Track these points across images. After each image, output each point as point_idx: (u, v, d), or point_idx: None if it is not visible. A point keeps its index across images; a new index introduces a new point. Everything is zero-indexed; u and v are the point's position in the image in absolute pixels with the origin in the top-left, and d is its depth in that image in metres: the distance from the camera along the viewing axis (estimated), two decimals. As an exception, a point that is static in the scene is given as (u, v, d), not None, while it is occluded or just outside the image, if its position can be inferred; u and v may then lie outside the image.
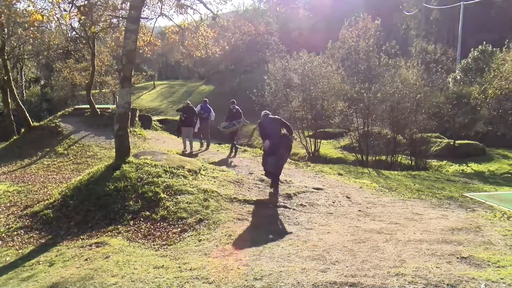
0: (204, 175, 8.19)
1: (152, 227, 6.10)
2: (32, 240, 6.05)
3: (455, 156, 21.38)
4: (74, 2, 9.51)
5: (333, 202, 7.54)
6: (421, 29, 51.56)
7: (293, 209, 6.91)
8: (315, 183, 8.85)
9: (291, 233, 5.70)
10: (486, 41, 29.67)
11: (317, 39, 40.67)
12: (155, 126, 19.12)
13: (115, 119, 8.37)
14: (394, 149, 20.60)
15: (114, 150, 9.01)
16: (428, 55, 34.15)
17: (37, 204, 7.39)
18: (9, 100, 17.36)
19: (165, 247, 5.43)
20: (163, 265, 4.54)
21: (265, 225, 6.13)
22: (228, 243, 5.25)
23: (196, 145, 12.51)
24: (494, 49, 28.25)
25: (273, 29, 44.01)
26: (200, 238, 5.59)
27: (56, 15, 9.83)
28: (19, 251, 5.65)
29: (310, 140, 22.68)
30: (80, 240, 5.80)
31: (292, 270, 4.05)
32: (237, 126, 11.61)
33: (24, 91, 35.26)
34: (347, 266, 4.15)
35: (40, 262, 5.05)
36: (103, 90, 35.68)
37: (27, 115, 16.16)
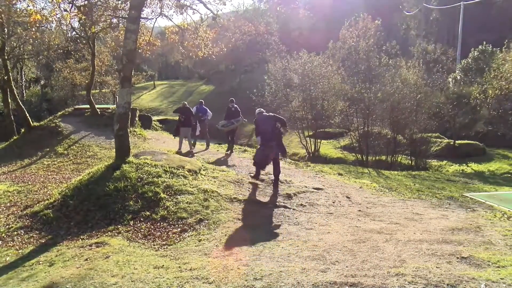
0: (204, 175, 8.19)
1: (152, 227, 6.10)
2: (32, 240, 6.05)
3: (455, 156, 21.37)
4: (74, 2, 9.51)
5: (333, 202, 7.53)
6: (421, 29, 51.54)
7: (293, 209, 6.91)
8: (315, 183, 8.85)
9: (291, 233, 5.70)
10: (486, 41, 29.65)
11: (317, 39, 40.67)
12: (155, 126, 19.13)
13: (115, 119, 8.37)
14: (394, 149, 20.60)
15: (114, 150, 9.01)
16: (428, 55, 34.16)
17: (37, 204, 7.39)
18: (9, 100, 17.36)
19: (165, 247, 5.43)
20: (163, 265, 4.54)
21: (265, 225, 6.13)
22: (228, 243, 5.25)
23: (197, 145, 12.56)
24: (494, 49, 28.23)
25: (273, 29, 44.01)
26: (200, 238, 5.59)
27: (57, 15, 9.82)
28: (19, 251, 5.64)
29: (310, 140, 22.67)
30: (80, 240, 5.79)
31: (292, 270, 4.05)
32: (236, 124, 11.75)
33: (24, 91, 35.26)
34: (347, 266, 4.15)
35: (40, 262, 5.05)
36: (103, 90, 35.68)
37: (27, 115, 16.16)
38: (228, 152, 11.78)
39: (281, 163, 11.04)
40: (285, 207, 6.98)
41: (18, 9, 12.92)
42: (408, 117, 20.58)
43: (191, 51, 10.92)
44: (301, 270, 4.04)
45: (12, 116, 17.89)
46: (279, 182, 8.17)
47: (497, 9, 44.52)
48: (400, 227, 5.90)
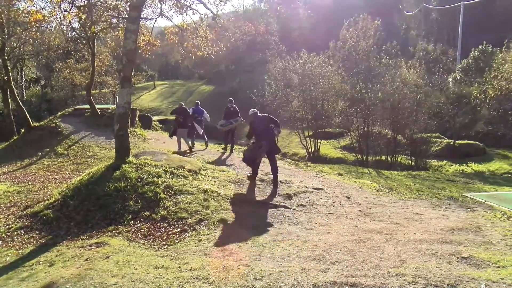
0: (204, 175, 8.19)
1: (152, 227, 6.09)
2: (32, 240, 6.05)
3: (455, 156, 21.37)
4: (74, 2, 9.51)
5: (333, 202, 7.53)
6: (421, 29, 51.51)
7: (293, 209, 6.91)
8: (315, 183, 8.84)
9: (291, 233, 5.69)
10: (486, 41, 29.63)
11: (317, 39, 40.71)
12: (155, 126, 19.14)
13: (115, 119, 8.37)
14: (394, 149, 20.60)
15: (114, 150, 9.01)
16: (428, 55, 34.15)
17: (37, 204, 7.38)
18: (9, 100, 17.37)
19: (165, 247, 5.43)
20: (163, 265, 4.54)
21: (265, 225, 6.13)
22: (228, 243, 5.25)
23: (197, 145, 12.59)
24: (494, 49, 28.23)
25: (273, 29, 44.05)
26: (200, 238, 5.59)
27: (58, 15, 9.83)
28: (19, 251, 5.64)
29: (310, 140, 22.67)
30: (80, 240, 5.79)
31: (292, 270, 4.05)
32: (234, 124, 11.81)
33: (24, 91, 35.25)
34: (347, 266, 4.14)
35: (40, 262, 5.05)
36: (103, 90, 35.69)
37: (27, 115, 16.17)
38: (226, 151, 11.89)
39: (281, 163, 11.07)
40: (285, 207, 6.98)
41: (18, 9, 12.92)
42: (408, 117, 20.59)
43: (190, 51, 10.93)
44: (301, 270, 4.04)
45: (12, 116, 17.91)
46: (279, 182, 8.17)
47: (497, 9, 44.50)
48: (400, 227, 5.90)
